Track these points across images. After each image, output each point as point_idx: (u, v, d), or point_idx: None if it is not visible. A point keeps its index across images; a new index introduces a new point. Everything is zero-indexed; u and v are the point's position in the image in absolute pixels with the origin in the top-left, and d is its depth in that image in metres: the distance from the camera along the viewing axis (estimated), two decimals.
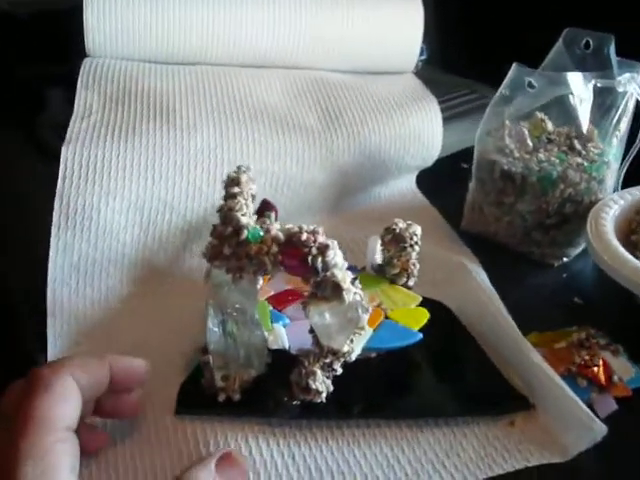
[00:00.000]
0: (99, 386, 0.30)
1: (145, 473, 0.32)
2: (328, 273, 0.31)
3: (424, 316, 0.39)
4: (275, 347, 0.37)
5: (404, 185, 0.58)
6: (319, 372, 0.33)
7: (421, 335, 0.37)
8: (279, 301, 0.40)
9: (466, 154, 0.56)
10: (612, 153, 0.48)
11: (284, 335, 0.37)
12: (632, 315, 0.42)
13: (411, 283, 0.42)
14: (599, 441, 0.33)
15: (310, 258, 0.31)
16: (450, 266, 0.46)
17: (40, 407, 0.26)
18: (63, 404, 0.27)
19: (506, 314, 0.40)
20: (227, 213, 0.33)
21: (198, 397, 0.35)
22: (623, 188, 0.50)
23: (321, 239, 0.31)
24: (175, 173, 0.46)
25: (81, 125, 0.47)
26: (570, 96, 0.47)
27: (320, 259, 0.31)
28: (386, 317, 0.39)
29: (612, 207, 0.46)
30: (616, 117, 0.47)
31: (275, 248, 0.32)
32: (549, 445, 0.34)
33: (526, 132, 0.49)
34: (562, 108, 0.48)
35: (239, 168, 0.36)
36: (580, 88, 0.46)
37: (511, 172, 0.48)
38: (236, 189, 0.34)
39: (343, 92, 0.57)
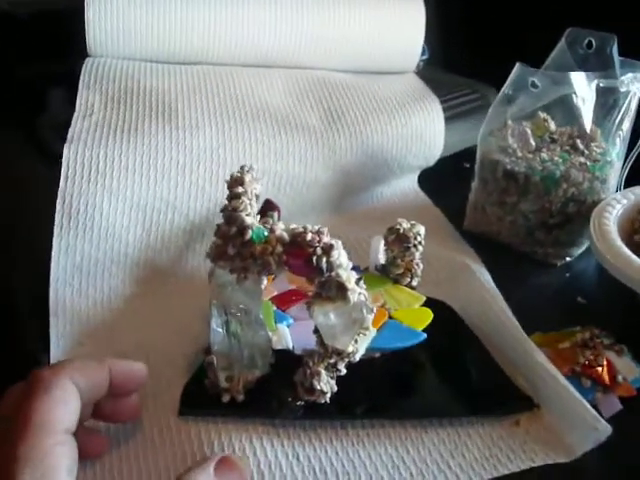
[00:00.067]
0: (98, 389, 0.30)
1: (149, 474, 0.32)
2: (333, 273, 0.31)
3: (428, 316, 0.39)
4: (279, 347, 0.36)
5: (406, 185, 0.58)
6: (324, 372, 0.33)
7: (425, 335, 0.37)
8: (283, 301, 0.40)
9: (468, 154, 0.56)
10: (615, 153, 0.48)
11: (288, 335, 0.37)
12: (635, 314, 0.42)
13: (415, 283, 0.42)
14: (604, 441, 0.33)
15: (315, 258, 0.31)
16: (454, 266, 0.46)
17: (39, 410, 0.26)
18: (62, 407, 0.27)
19: (510, 314, 0.40)
20: (231, 213, 0.33)
21: (202, 398, 0.35)
22: (626, 187, 0.50)
23: (326, 239, 0.31)
24: (177, 173, 0.46)
25: (83, 125, 0.47)
26: (573, 96, 0.47)
27: (325, 259, 0.31)
28: (390, 317, 0.39)
29: (615, 207, 0.46)
30: (619, 117, 0.47)
31: (280, 248, 0.32)
32: (554, 445, 0.34)
33: (529, 132, 0.49)
34: (565, 108, 0.48)
35: (243, 168, 0.36)
36: (583, 88, 0.46)
37: (514, 172, 0.47)
38: (240, 189, 0.34)
39: (345, 92, 0.57)
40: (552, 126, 0.50)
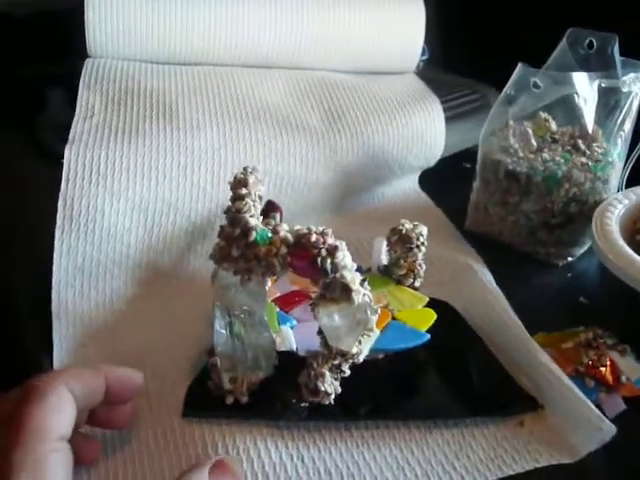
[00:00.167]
0: (94, 396, 0.30)
1: (153, 476, 0.32)
2: (337, 274, 0.31)
3: (431, 317, 0.39)
4: (283, 349, 0.36)
5: (407, 185, 0.58)
6: (328, 374, 0.33)
7: (428, 336, 0.37)
8: (286, 302, 0.39)
9: (468, 154, 0.56)
10: (616, 153, 0.48)
11: (291, 337, 0.37)
12: (638, 314, 0.42)
13: (417, 284, 0.42)
14: (608, 441, 0.33)
15: (319, 259, 0.31)
16: (456, 267, 0.46)
17: (34, 417, 0.26)
18: (57, 414, 0.27)
19: (513, 314, 0.40)
20: (235, 215, 0.32)
21: (205, 399, 0.35)
22: (627, 187, 0.50)
23: (330, 240, 0.31)
24: (179, 174, 0.46)
25: (84, 126, 0.47)
26: (575, 96, 0.47)
27: (329, 260, 0.31)
28: (393, 318, 0.38)
29: (617, 206, 0.46)
30: (620, 117, 0.47)
31: (284, 249, 0.32)
32: (558, 445, 0.34)
33: (530, 132, 0.49)
34: (566, 108, 0.48)
35: (246, 169, 0.36)
36: (585, 88, 0.46)
37: (516, 172, 0.48)
38: (244, 190, 0.34)
39: (346, 92, 0.57)
40: (553, 126, 0.50)
